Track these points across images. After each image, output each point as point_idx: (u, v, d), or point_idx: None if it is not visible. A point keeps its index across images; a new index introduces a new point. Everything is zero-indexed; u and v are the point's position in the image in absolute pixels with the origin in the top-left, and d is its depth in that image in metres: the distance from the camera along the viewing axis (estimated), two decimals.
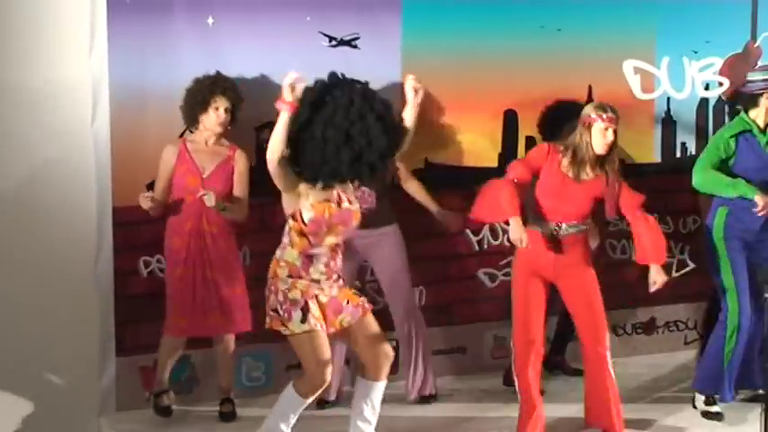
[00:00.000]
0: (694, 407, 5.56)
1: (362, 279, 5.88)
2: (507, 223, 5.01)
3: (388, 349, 4.78)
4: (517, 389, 5.19)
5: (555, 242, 5.08)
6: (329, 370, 4.67)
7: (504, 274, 6.19)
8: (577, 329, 5.25)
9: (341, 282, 4.82)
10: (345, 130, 4.53)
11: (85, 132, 5.49)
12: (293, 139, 4.56)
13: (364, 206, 5.46)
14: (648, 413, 5.62)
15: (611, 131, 4.95)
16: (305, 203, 4.63)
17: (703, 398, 5.50)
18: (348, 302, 4.78)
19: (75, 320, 5.54)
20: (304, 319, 4.63)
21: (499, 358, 6.20)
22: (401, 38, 5.98)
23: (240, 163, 5.39)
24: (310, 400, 4.72)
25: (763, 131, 5.41)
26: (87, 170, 5.52)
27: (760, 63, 6.52)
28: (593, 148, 4.98)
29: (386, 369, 4.78)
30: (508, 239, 5.31)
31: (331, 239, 4.69)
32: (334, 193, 4.70)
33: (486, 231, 6.23)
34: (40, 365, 5.52)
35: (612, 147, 5.01)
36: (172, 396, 5.52)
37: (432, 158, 6.09)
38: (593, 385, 5.21)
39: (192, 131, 5.46)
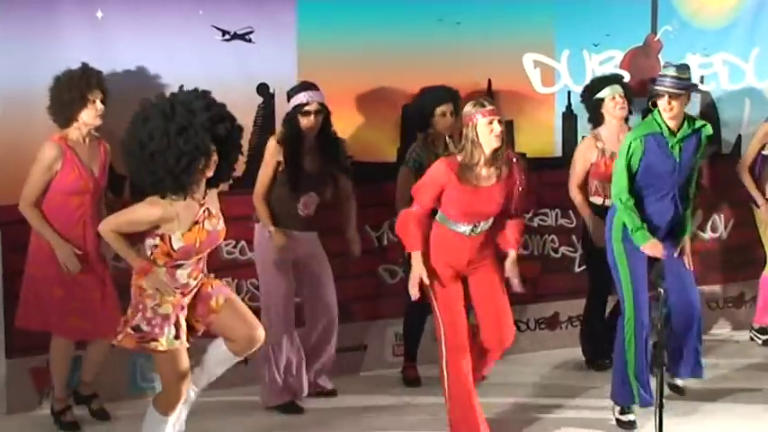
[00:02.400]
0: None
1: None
2: None
3: (258, 328, 4.72)
4: (447, 387, 5.07)
5: (472, 241, 5.01)
6: (187, 382, 4.61)
7: (403, 271, 6.04)
8: (481, 322, 5.14)
9: (202, 275, 4.75)
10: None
11: None
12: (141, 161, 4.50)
13: (306, 212, 5.50)
14: (553, 403, 5.67)
15: (496, 122, 4.83)
16: (176, 233, 4.52)
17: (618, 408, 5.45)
18: (212, 287, 4.73)
19: None
20: (177, 336, 4.56)
21: (400, 355, 6.15)
22: (296, 32, 5.95)
23: (109, 155, 5.30)
24: (173, 416, 4.63)
25: (673, 133, 5.28)
26: None
27: (660, 56, 6.55)
28: (483, 147, 4.86)
29: (251, 349, 4.77)
30: None
31: (198, 258, 4.63)
32: (201, 211, 4.58)
33: (385, 227, 6.18)
34: None
35: (503, 137, 4.89)
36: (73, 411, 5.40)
37: None
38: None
39: (67, 126, 5.26)
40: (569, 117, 6.55)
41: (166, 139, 4.47)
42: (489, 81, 6.28)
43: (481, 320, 5.15)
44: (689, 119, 5.36)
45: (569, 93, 6.53)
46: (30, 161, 5.29)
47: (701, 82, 6.74)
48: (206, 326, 4.75)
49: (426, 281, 4.95)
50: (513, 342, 5.27)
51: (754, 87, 6.98)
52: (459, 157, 4.94)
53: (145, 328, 4.55)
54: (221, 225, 4.72)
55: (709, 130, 5.42)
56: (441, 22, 6.15)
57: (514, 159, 5.04)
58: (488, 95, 6.08)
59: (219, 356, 4.78)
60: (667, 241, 5.31)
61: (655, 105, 5.28)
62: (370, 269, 6.20)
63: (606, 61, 6.59)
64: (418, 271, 4.96)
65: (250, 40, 5.84)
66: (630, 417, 5.37)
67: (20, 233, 5.40)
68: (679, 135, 5.24)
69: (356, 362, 6.20)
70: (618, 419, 5.41)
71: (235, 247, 5.85)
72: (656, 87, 5.31)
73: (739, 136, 6.96)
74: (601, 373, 6.01)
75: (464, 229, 4.99)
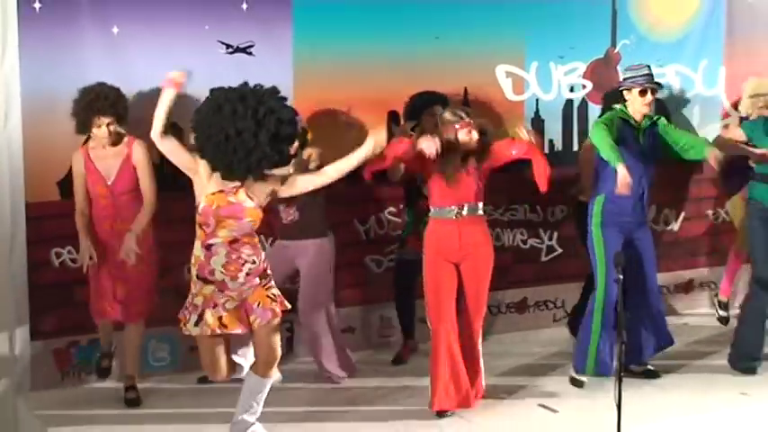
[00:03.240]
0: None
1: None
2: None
3: (277, 353, 4.93)
4: (432, 362, 5.36)
5: (459, 225, 5.33)
6: (217, 368, 4.90)
7: (389, 261, 6.44)
8: (464, 307, 5.45)
9: (255, 282, 4.84)
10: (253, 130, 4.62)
11: None
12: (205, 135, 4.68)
13: (288, 218, 5.70)
14: (522, 383, 5.95)
15: (473, 132, 5.27)
16: (204, 193, 4.75)
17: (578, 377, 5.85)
18: (260, 305, 4.85)
19: None
20: (197, 324, 4.81)
21: (386, 336, 6.46)
22: (292, 46, 6.14)
23: (138, 154, 5.46)
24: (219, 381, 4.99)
25: (638, 124, 5.73)
26: (1, 169, 5.61)
27: (619, 67, 6.81)
28: (460, 150, 5.26)
29: (273, 369, 4.95)
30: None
31: (224, 232, 4.76)
32: (231, 185, 4.77)
33: (372, 222, 6.44)
34: None
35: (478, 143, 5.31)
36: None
37: (326, 157, 6.00)
38: (464, 355, 5.47)
39: (86, 136, 5.52)
40: (537, 122, 6.78)
41: (255, 140, 4.61)
42: (465, 89, 6.50)
43: (466, 300, 5.43)
44: (646, 115, 5.77)
45: (537, 100, 6.76)
46: (53, 162, 5.58)
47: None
48: (243, 331, 4.89)
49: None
50: (481, 324, 5.52)
51: (702, 95, 7.26)
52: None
53: (184, 311, 4.87)
54: (250, 204, 4.78)
55: (663, 120, 5.84)
56: (422, 37, 6.36)
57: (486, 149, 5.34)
58: (465, 103, 6.38)
59: (250, 384, 4.95)
60: (632, 225, 5.73)
61: (623, 100, 5.70)
62: (358, 260, 6.42)
63: (570, 72, 6.84)
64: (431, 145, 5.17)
65: (251, 53, 6.02)
66: (583, 378, 5.80)
67: (44, 227, 5.67)
68: (642, 125, 5.70)
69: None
70: (572, 377, 5.87)
71: None
72: (632, 81, 5.70)
73: None
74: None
75: (451, 213, 5.32)
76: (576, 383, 5.87)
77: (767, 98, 6.67)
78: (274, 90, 4.78)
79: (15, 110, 5.59)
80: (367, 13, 6.27)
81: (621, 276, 4.94)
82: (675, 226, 7.31)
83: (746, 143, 6.02)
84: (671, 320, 6.92)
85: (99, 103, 5.42)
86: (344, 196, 6.09)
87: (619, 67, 6.86)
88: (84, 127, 5.50)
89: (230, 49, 5.99)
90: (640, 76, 5.74)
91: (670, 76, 7.10)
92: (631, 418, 4.90)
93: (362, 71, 6.28)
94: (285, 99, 4.80)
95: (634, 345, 5.81)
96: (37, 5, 5.56)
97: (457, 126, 5.32)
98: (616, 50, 6.97)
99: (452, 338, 5.37)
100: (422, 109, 5.96)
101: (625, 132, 5.72)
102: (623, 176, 5.39)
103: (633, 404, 5.07)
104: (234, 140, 4.63)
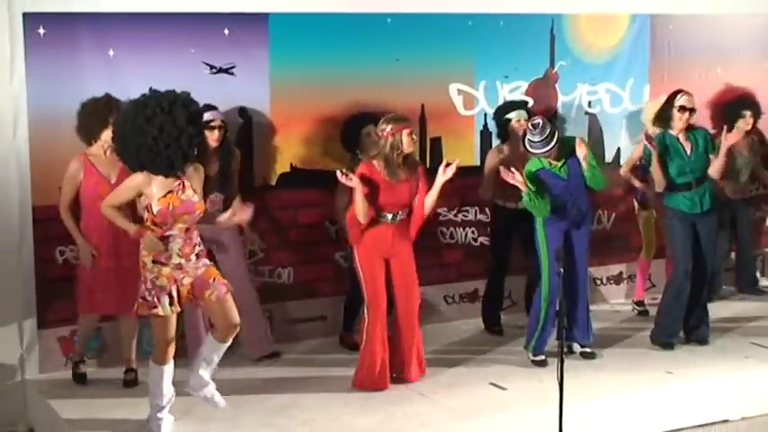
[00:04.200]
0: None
1: None
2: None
3: (236, 319, 5.15)
4: (365, 339, 5.68)
5: (393, 227, 5.72)
6: (172, 346, 5.11)
7: (346, 262, 6.66)
8: (396, 296, 5.80)
9: (205, 261, 5.12)
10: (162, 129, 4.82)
11: (8, 145, 5.88)
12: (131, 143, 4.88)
13: (214, 208, 5.81)
14: (474, 362, 6.26)
15: (413, 135, 5.66)
16: (154, 198, 4.94)
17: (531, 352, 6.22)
18: (215, 280, 5.10)
19: (2, 299, 5.91)
20: (171, 303, 5.01)
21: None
22: (269, 67, 6.40)
23: None
24: (167, 366, 5.13)
25: (554, 166, 6.02)
26: (10, 176, 5.91)
27: (557, 85, 7.24)
28: (403, 151, 5.61)
29: (231, 336, 5.20)
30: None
31: (179, 225, 5.01)
32: (176, 183, 4.97)
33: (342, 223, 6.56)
34: None
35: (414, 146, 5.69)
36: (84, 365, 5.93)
37: (296, 164, 6.62)
38: (402, 338, 5.83)
39: (91, 144, 5.74)
40: (486, 134, 7.11)
41: (177, 129, 4.80)
42: (422, 105, 6.85)
43: (396, 291, 5.81)
44: (561, 142, 5.96)
45: (485, 115, 7.07)
46: (57, 170, 5.78)
47: (589, 106, 7.42)
48: (195, 305, 5.18)
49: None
50: (419, 309, 5.83)
51: (629, 110, 7.61)
52: (377, 160, 5.59)
53: (147, 297, 5.00)
54: (196, 198, 5.02)
55: (572, 139, 6.02)
56: (383, 59, 6.68)
57: (420, 168, 5.74)
58: (422, 117, 6.75)
59: (209, 345, 5.24)
60: (572, 228, 6.10)
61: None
62: (328, 256, 6.76)
63: (514, 90, 7.16)
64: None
65: (232, 73, 6.28)
66: (541, 357, 6.16)
67: (49, 228, 5.91)
68: (560, 162, 6.01)
69: (317, 329, 6.76)
70: (532, 360, 6.20)
71: None
72: (531, 151, 5.93)
73: (618, 148, 7.61)
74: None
75: (386, 218, 5.67)
76: (538, 363, 6.15)
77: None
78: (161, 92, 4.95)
79: (23, 123, 5.87)
80: (336, 38, 6.55)
81: (562, 270, 5.33)
82: (607, 225, 7.67)
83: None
84: (604, 308, 7.42)
85: (114, 103, 5.60)
86: (312, 197, 6.44)
87: (557, 85, 7.25)
88: (91, 135, 5.68)
89: (214, 70, 6.24)
90: (537, 142, 5.88)
91: (601, 93, 7.46)
92: (572, 395, 5.17)
93: (332, 88, 6.56)
94: (172, 90, 4.97)
95: (569, 330, 6.14)
96: (41, 31, 5.82)
97: (403, 128, 5.59)
98: (554, 71, 7.31)
99: (383, 326, 5.71)
100: (356, 130, 6.29)
101: (547, 177, 5.99)
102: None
103: (573, 382, 5.36)
104: (161, 139, 4.80)
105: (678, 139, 6.46)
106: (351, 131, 6.44)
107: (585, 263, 6.30)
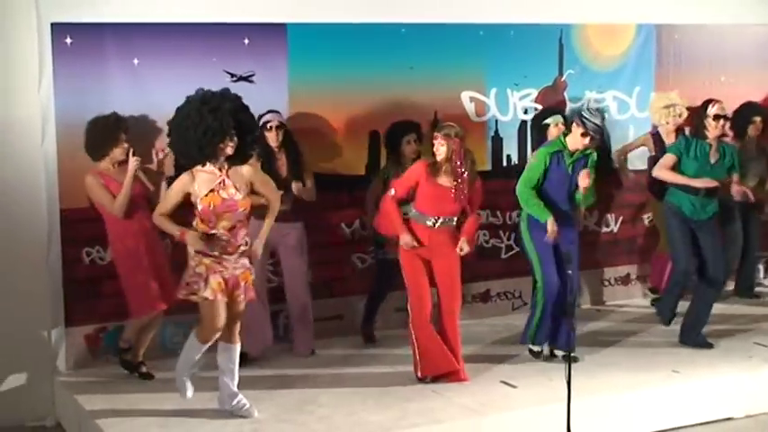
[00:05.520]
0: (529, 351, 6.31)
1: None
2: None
3: (222, 326, 5.20)
4: (416, 340, 5.71)
5: (432, 232, 5.75)
6: (219, 327, 5.17)
7: (372, 258, 6.77)
8: (439, 296, 5.83)
9: (245, 262, 5.20)
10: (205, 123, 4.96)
11: (37, 151, 5.98)
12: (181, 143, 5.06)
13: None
14: (487, 363, 6.28)
15: (442, 146, 5.71)
16: (198, 197, 5.06)
17: (529, 346, 6.28)
18: (245, 283, 5.23)
19: (31, 298, 6.00)
20: (206, 289, 5.11)
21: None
22: (288, 75, 6.47)
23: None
24: (206, 346, 5.25)
25: (571, 154, 6.03)
26: (39, 180, 6.00)
27: (566, 93, 7.26)
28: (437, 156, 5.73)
29: (213, 339, 5.25)
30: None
31: (224, 223, 5.11)
32: (216, 181, 5.06)
33: (356, 225, 6.79)
34: (3, 335, 5.92)
35: (450, 155, 5.67)
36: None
37: (317, 170, 6.52)
38: (445, 336, 5.84)
39: (100, 161, 5.81)
40: (497, 140, 7.17)
41: (199, 116, 4.94)
42: (435, 112, 6.86)
43: (439, 290, 5.84)
44: (579, 149, 6.02)
45: (496, 121, 7.13)
46: (83, 174, 5.82)
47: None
48: (227, 299, 5.16)
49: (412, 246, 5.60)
50: (460, 308, 5.87)
51: (636, 116, 7.64)
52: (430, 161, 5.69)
53: (189, 281, 5.14)
54: (239, 196, 5.10)
55: (594, 156, 6.06)
56: (398, 67, 6.73)
57: (477, 183, 5.75)
58: (435, 123, 6.66)
59: (228, 354, 5.33)
60: (563, 230, 6.04)
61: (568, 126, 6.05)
62: (345, 257, 6.82)
63: (524, 97, 7.19)
64: (410, 244, 5.67)
65: (252, 81, 6.33)
66: (537, 348, 6.20)
67: (76, 230, 5.99)
68: (574, 156, 6.03)
69: (334, 328, 6.76)
70: (530, 350, 6.27)
71: None
72: (583, 121, 5.88)
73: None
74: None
75: (426, 221, 5.71)
76: (534, 354, 6.22)
77: (679, 108, 7.16)
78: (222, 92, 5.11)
79: (51, 129, 5.96)
80: (352, 47, 6.62)
81: (570, 272, 5.44)
82: (615, 228, 7.67)
83: (674, 166, 6.40)
84: (612, 308, 7.40)
85: (121, 122, 5.75)
86: (334, 200, 6.47)
87: (565, 93, 7.29)
88: (104, 152, 5.77)
89: (234, 78, 6.30)
90: (592, 123, 5.91)
91: (609, 101, 7.50)
92: (580, 393, 5.22)
93: (348, 96, 6.64)
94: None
95: (552, 331, 6.18)
96: (68, 40, 5.90)
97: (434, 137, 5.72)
98: (563, 79, 7.35)
99: (429, 321, 5.76)
100: (399, 137, 6.40)
101: (555, 164, 5.98)
102: (552, 231, 5.87)
103: (581, 380, 5.40)
104: (208, 129, 4.94)
105: (710, 146, 6.49)
106: (393, 138, 6.51)
107: (571, 269, 5.86)
